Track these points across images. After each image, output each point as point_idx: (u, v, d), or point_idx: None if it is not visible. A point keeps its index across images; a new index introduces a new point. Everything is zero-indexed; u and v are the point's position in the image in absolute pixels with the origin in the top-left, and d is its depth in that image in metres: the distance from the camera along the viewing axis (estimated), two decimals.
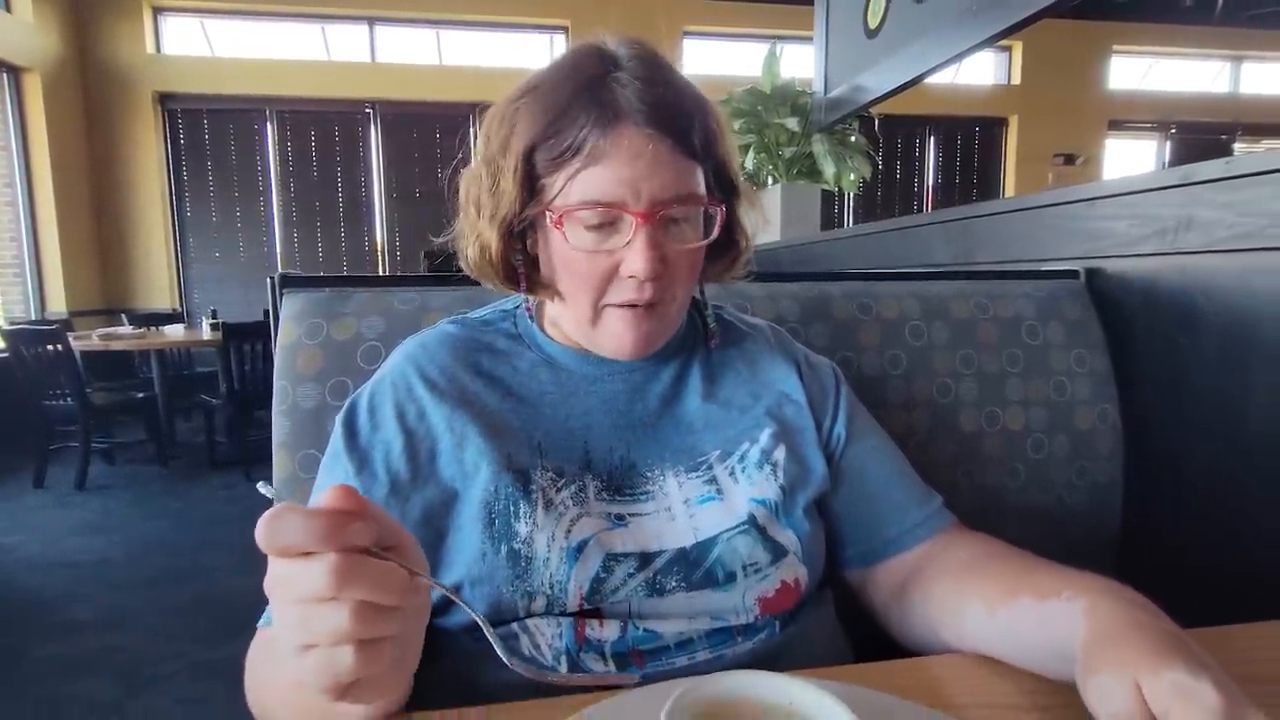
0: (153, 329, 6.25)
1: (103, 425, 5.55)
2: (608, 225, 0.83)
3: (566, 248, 0.87)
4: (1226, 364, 1.43)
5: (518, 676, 0.71)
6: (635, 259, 0.84)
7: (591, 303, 0.91)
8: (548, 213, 0.87)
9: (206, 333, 6.11)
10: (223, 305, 6.83)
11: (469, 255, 0.98)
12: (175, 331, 6.42)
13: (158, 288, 7.80)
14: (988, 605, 0.83)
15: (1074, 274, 1.68)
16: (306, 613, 0.48)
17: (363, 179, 8.26)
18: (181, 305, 7.86)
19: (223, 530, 4.19)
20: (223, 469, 5.45)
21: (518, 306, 1.09)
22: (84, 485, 4.89)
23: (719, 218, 0.93)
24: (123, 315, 6.95)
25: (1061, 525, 1.53)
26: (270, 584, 0.50)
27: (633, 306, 0.90)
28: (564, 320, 0.99)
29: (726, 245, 1.02)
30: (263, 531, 0.48)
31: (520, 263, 0.97)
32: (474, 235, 0.96)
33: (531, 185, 0.85)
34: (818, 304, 1.49)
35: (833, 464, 1.03)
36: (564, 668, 0.82)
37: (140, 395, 5.60)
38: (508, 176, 0.88)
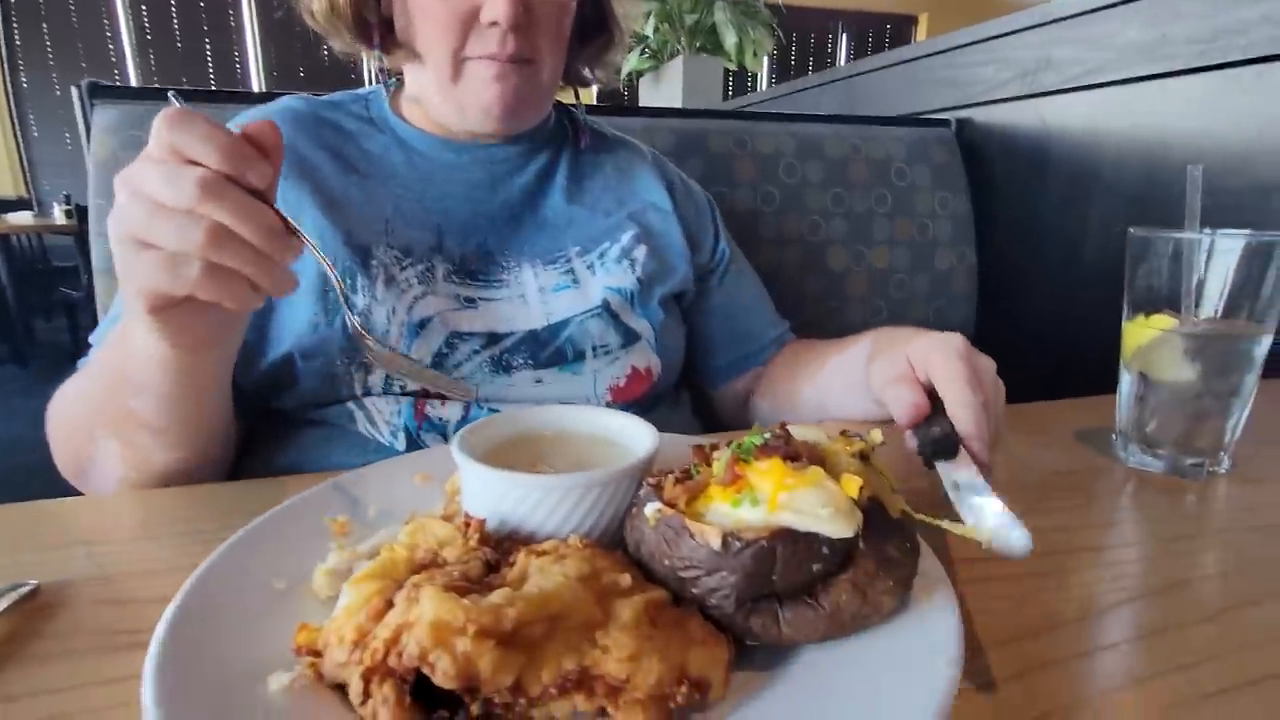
0: None
1: None
2: None
3: None
4: (1071, 202, 1.52)
5: (361, 459, 0.73)
6: (495, 2, 0.79)
7: (450, 54, 0.84)
8: None
9: (59, 219, 5.49)
10: (81, 191, 6.12)
11: (313, 5, 0.89)
12: (21, 218, 5.75)
13: None
14: (811, 381, 0.94)
15: (945, 123, 1.71)
16: (160, 215, 0.48)
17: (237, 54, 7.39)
18: (29, 191, 6.97)
19: None
20: None
21: (372, 93, 1.01)
22: None
23: None
24: None
25: None
26: (129, 175, 0.49)
27: (496, 60, 0.84)
28: (426, 94, 0.93)
29: (598, 26, 1.00)
30: (162, 123, 0.47)
31: (373, 13, 0.89)
32: None
33: None
34: (694, 138, 1.46)
35: (711, 280, 1.07)
36: (402, 445, 0.81)
37: None
38: None
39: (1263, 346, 0.71)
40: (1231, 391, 0.72)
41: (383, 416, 0.83)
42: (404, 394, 0.83)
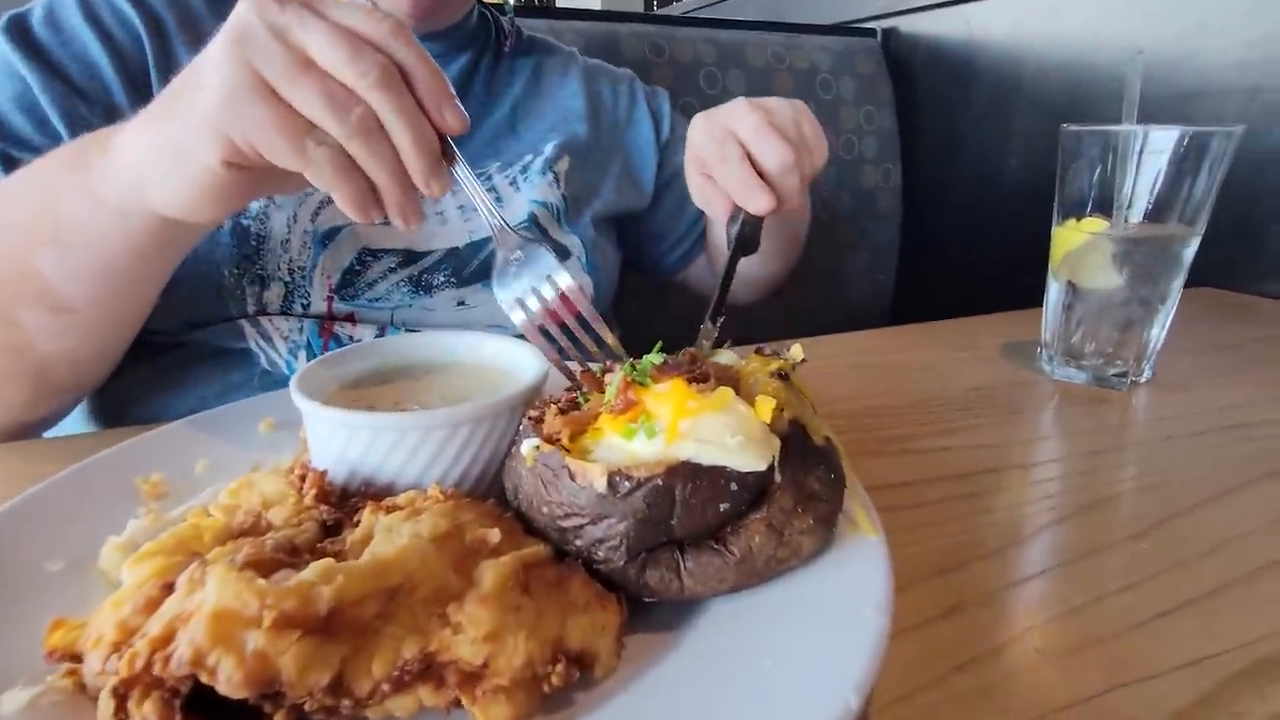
0: None
1: None
2: None
3: None
4: (995, 115, 1.47)
5: (246, 392, 0.66)
6: None
7: None
8: None
9: None
10: None
11: None
12: None
13: None
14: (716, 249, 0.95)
15: (871, 33, 1.63)
16: (313, 75, 0.41)
17: None
18: None
19: None
20: None
21: None
22: None
23: None
24: None
25: (843, 286, 1.59)
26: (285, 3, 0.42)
27: None
28: None
29: None
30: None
31: None
32: None
33: None
34: (604, 43, 1.32)
35: (667, 167, 0.99)
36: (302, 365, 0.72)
37: None
38: None
39: (1191, 249, 0.68)
40: (1160, 297, 0.69)
41: (280, 333, 0.73)
42: (307, 314, 0.74)
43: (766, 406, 0.38)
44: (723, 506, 0.35)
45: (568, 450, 0.37)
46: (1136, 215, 0.67)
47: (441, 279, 0.78)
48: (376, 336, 0.76)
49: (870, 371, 0.77)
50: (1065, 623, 0.40)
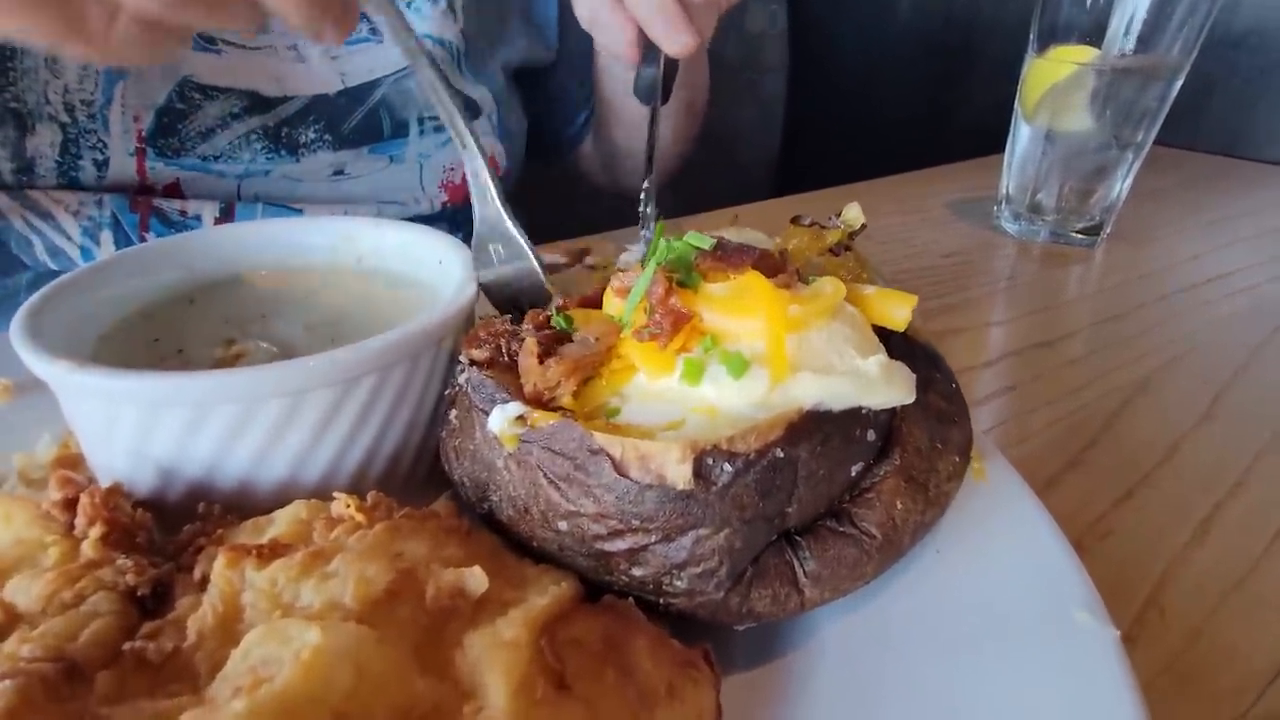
0: None
1: None
2: None
3: None
4: None
5: None
6: None
7: None
8: None
9: None
10: None
11: None
12: None
13: None
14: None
15: None
16: None
17: None
18: None
19: None
20: None
21: None
22: None
23: None
24: None
25: (730, 145, 1.45)
26: None
27: None
28: None
29: None
30: None
31: None
32: None
33: None
34: None
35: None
36: (98, 255, 0.49)
37: None
38: None
39: (1173, 89, 0.60)
40: (1140, 143, 0.62)
41: (65, 208, 0.48)
42: (104, 181, 0.49)
43: (888, 303, 0.24)
44: (854, 468, 0.22)
45: (573, 415, 0.21)
46: (1130, 42, 0.58)
47: (311, 135, 0.58)
48: (219, 219, 0.53)
49: None
50: None
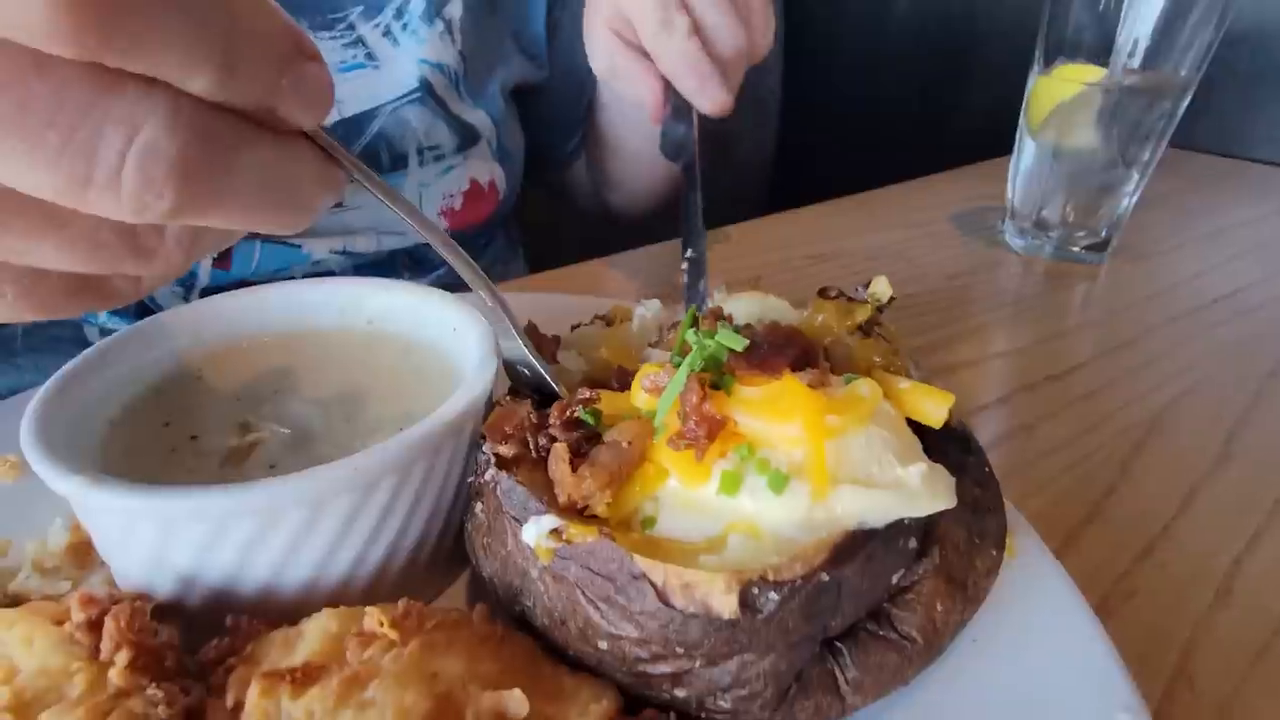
0: None
1: None
2: None
3: None
4: None
5: None
6: None
7: None
8: None
9: None
10: None
11: None
12: None
13: None
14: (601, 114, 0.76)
15: None
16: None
17: None
18: None
19: None
20: None
21: None
22: None
23: None
24: None
25: (725, 145, 1.44)
26: None
27: None
28: None
29: None
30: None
31: None
32: None
33: None
34: None
35: (559, 28, 0.74)
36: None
37: None
38: None
39: (1180, 107, 0.60)
40: (1146, 161, 0.62)
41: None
42: None
43: (924, 401, 0.23)
44: (895, 577, 0.22)
45: (614, 531, 0.20)
46: (1136, 59, 0.58)
47: None
48: (217, 260, 0.53)
49: (833, 266, 0.65)
50: None
